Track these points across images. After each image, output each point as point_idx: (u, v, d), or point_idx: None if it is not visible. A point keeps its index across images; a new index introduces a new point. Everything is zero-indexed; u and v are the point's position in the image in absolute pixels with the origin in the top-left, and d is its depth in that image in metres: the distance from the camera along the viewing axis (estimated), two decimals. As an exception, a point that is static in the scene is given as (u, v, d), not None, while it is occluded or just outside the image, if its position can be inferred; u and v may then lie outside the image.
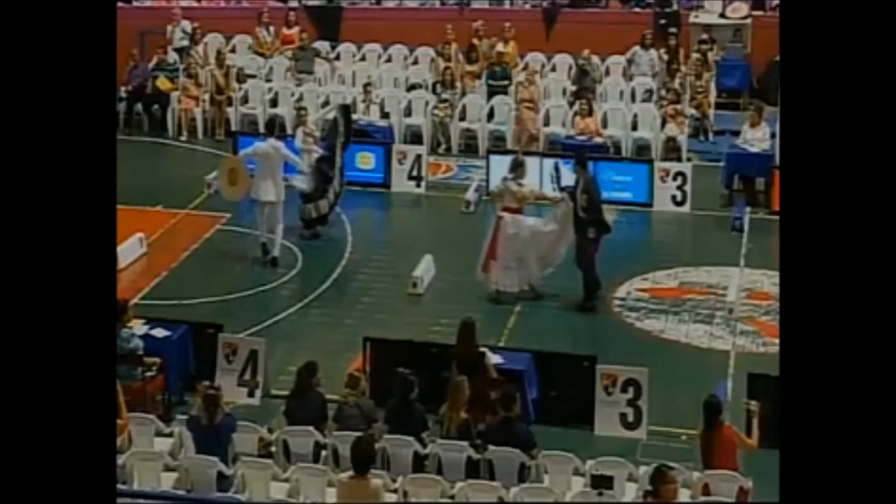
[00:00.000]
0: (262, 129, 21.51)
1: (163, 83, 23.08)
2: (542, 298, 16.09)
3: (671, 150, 21.27)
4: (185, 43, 24.06)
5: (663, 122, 21.34)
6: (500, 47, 23.20)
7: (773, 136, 19.39)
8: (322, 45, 24.15)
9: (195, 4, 25.81)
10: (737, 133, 20.48)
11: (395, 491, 10.97)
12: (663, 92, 22.14)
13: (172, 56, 23.80)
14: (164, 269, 17.31)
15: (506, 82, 22.59)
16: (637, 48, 23.16)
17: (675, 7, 24.65)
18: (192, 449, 11.50)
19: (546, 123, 21.75)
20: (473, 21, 23.88)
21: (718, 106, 22.66)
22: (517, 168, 16.11)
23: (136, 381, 12.84)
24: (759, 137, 19.83)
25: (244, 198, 17.71)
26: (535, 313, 15.90)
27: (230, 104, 22.76)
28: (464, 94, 22.52)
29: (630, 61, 23.22)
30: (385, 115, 21.84)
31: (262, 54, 24.15)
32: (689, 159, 20.87)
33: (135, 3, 25.64)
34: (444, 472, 11.39)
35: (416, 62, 23.93)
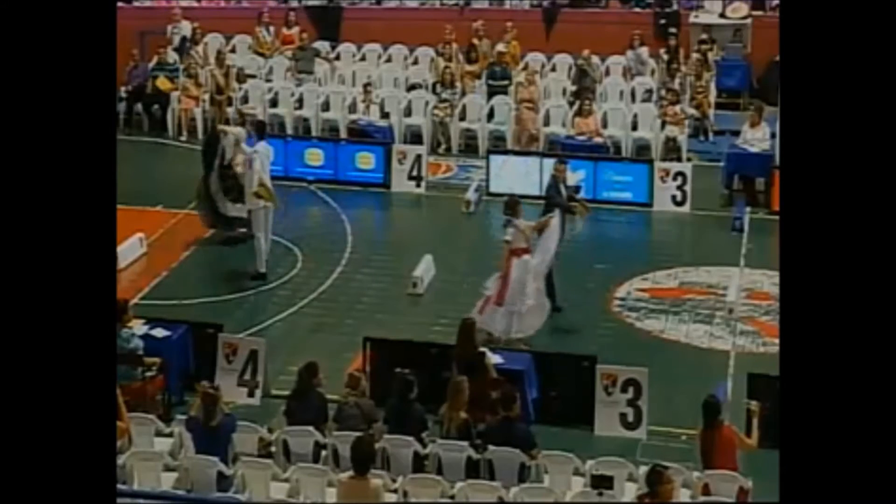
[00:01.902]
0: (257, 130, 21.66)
1: (163, 83, 23.07)
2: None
3: (671, 150, 21.27)
4: (186, 43, 24.05)
5: (663, 123, 21.35)
6: (500, 47, 23.21)
7: (773, 136, 19.38)
8: (322, 45, 24.15)
9: (195, 4, 25.81)
10: (737, 133, 20.48)
11: (395, 491, 10.97)
12: (663, 92, 22.14)
13: (172, 56, 23.78)
14: (164, 269, 17.31)
15: (506, 82, 22.58)
16: (629, 51, 23.21)
17: (675, 7, 24.66)
18: (192, 449, 11.50)
19: (546, 123, 21.74)
20: (473, 21, 23.88)
21: (718, 106, 22.66)
22: (515, 207, 15.15)
23: (136, 381, 12.83)
24: (759, 137, 19.83)
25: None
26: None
27: (230, 104, 22.75)
28: (464, 94, 22.52)
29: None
30: (385, 115, 21.84)
31: (262, 54, 24.15)
32: (689, 159, 20.87)
33: (135, 3, 25.65)
34: (444, 472, 11.38)
35: (416, 62, 23.92)
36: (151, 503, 10.53)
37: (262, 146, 17.04)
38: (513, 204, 15.29)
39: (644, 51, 23.16)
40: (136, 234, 17.62)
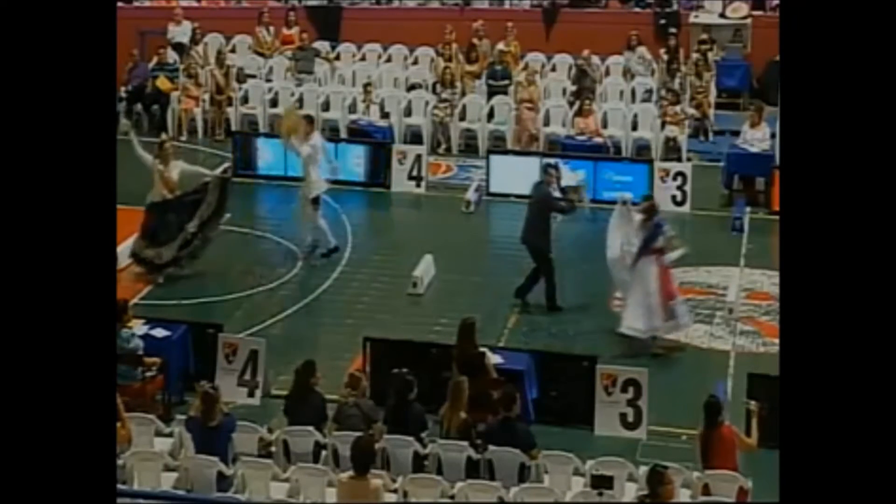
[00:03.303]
0: (262, 128, 21.71)
1: (163, 83, 23.07)
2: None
3: (671, 150, 21.28)
4: (186, 43, 24.06)
5: (663, 123, 21.35)
6: (501, 45, 23.22)
7: (773, 136, 19.40)
8: (322, 45, 24.16)
9: (195, 4, 25.82)
10: (737, 133, 20.49)
11: (395, 491, 10.97)
12: (663, 92, 22.15)
13: (172, 56, 23.79)
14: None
15: (506, 82, 22.58)
16: (626, 52, 23.22)
17: (675, 7, 24.67)
18: (192, 449, 11.50)
19: (546, 123, 21.74)
20: (473, 21, 23.89)
21: (718, 106, 22.68)
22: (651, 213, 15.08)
23: (136, 381, 12.85)
24: (759, 137, 19.84)
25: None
26: (535, 313, 15.87)
27: (230, 104, 22.76)
28: (464, 94, 22.52)
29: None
30: (385, 115, 21.84)
31: (262, 54, 24.15)
32: (689, 159, 20.88)
33: (135, 3, 25.65)
34: (444, 472, 11.38)
35: (416, 62, 23.93)
36: (151, 503, 10.54)
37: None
38: (649, 209, 15.14)
39: (642, 51, 23.16)
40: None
